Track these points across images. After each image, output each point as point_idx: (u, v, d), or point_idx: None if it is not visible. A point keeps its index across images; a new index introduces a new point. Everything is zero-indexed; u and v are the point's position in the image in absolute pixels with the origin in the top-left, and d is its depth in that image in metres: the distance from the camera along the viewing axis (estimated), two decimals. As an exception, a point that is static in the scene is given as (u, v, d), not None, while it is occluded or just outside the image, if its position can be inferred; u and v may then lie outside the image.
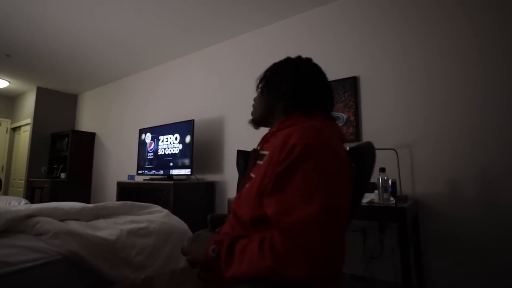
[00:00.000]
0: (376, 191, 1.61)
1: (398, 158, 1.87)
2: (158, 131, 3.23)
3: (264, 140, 0.78)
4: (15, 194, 4.75)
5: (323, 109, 0.76)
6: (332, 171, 0.57)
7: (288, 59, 0.82)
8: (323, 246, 0.51)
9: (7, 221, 1.13)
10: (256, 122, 0.85)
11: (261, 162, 0.71)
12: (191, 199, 2.70)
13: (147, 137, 3.34)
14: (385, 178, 1.60)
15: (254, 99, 0.86)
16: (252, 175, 0.73)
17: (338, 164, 0.59)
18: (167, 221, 1.48)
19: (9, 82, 4.38)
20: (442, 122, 1.83)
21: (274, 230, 0.55)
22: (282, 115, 0.76)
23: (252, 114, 0.86)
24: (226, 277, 0.56)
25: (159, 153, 3.17)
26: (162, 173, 3.06)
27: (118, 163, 4.11)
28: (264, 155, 0.71)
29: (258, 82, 0.85)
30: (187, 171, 2.82)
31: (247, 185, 0.72)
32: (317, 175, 0.55)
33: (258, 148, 0.79)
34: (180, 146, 2.95)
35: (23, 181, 4.57)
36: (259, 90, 0.84)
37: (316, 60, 0.82)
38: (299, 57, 0.82)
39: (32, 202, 4.03)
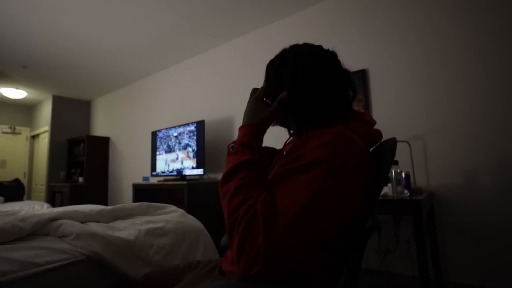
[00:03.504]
0: (389, 184, 1.60)
1: (411, 150, 1.84)
2: (169, 133, 3.29)
3: (290, 145, 0.76)
4: (37, 198, 4.96)
5: (343, 107, 0.67)
6: (327, 188, 0.52)
7: (282, 58, 0.70)
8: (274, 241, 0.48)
9: (33, 225, 1.19)
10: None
11: None
12: (204, 198, 2.75)
13: (159, 139, 3.41)
14: (398, 170, 1.58)
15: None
16: None
17: (340, 178, 0.53)
18: (182, 221, 1.51)
19: (27, 92, 4.55)
20: (454, 112, 1.79)
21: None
22: (295, 127, 0.71)
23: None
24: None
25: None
26: (175, 173, 3.13)
27: (132, 165, 4.21)
28: None
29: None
30: (199, 171, 2.87)
31: None
32: (311, 187, 0.52)
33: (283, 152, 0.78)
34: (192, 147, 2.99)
35: (44, 186, 4.76)
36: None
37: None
38: (294, 51, 0.69)
39: (53, 205, 4.19)
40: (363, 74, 2.14)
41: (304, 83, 0.65)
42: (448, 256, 1.74)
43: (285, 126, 0.75)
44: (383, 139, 0.70)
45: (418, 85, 1.93)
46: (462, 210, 1.72)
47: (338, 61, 0.69)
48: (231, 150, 0.62)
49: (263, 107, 0.67)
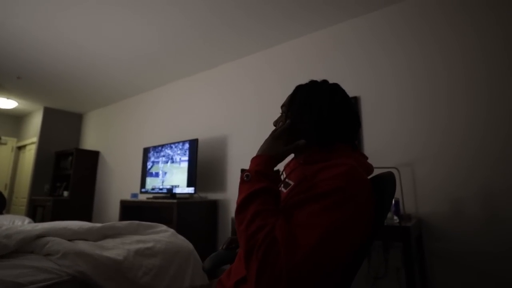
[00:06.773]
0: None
1: (400, 177, 1.90)
2: (161, 150, 3.28)
3: (290, 169, 0.79)
4: (16, 212, 4.74)
5: (352, 140, 0.76)
6: (343, 217, 0.56)
7: (315, 84, 0.79)
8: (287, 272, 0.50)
9: (18, 242, 1.15)
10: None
11: (284, 190, 0.72)
12: (194, 218, 2.70)
13: (151, 156, 3.38)
14: (388, 197, 1.61)
15: (278, 123, 0.82)
16: None
17: (353, 208, 0.57)
18: (173, 241, 1.49)
19: (18, 102, 4.49)
20: (443, 141, 1.87)
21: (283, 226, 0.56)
22: (309, 147, 0.73)
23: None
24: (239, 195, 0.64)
25: (162, 172, 3.19)
26: (165, 191, 3.08)
27: (121, 181, 4.13)
28: (289, 184, 0.72)
29: (285, 107, 0.80)
30: (190, 190, 2.84)
31: None
32: (328, 215, 0.56)
33: (285, 176, 0.79)
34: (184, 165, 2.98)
35: (25, 199, 4.57)
36: (283, 116, 0.79)
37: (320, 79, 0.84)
38: (328, 83, 0.79)
39: (34, 220, 4.01)
40: (355, 101, 2.23)
41: (331, 110, 0.73)
42: (436, 283, 1.75)
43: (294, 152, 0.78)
44: (375, 165, 0.77)
45: (408, 113, 2.02)
46: (450, 237, 1.75)
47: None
48: (245, 178, 0.64)
49: (281, 145, 0.70)
